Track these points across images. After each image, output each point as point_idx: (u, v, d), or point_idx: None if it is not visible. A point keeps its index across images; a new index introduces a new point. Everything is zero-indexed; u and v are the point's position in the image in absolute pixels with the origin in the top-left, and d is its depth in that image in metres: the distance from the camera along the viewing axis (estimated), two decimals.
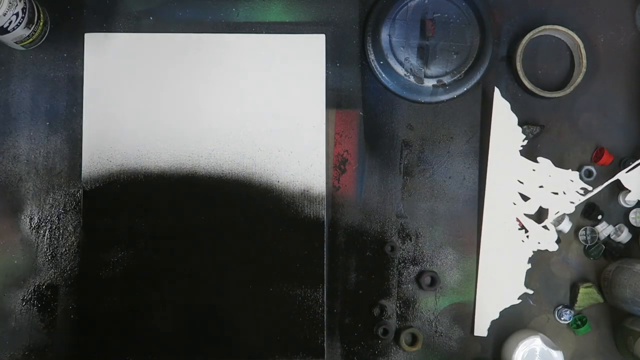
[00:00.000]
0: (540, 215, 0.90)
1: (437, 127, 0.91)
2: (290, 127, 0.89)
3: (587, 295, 0.89)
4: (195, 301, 0.87)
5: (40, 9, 0.85)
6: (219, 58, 0.89)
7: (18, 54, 0.89)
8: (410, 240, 0.90)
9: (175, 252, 0.88)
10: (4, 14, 0.78)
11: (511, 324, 0.90)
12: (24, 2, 0.81)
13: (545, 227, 0.89)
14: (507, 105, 0.88)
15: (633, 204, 0.91)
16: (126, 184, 0.88)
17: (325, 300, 0.88)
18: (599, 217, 0.90)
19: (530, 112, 0.91)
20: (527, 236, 0.89)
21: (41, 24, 0.86)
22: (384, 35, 0.89)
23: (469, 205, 0.91)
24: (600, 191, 0.89)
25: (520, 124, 0.89)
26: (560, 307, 0.90)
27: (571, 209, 0.88)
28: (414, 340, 0.89)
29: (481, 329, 0.89)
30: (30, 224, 0.89)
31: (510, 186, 0.89)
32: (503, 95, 0.88)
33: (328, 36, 0.90)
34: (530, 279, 0.90)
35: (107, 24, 0.90)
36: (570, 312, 0.89)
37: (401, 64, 0.90)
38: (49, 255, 0.88)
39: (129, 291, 0.87)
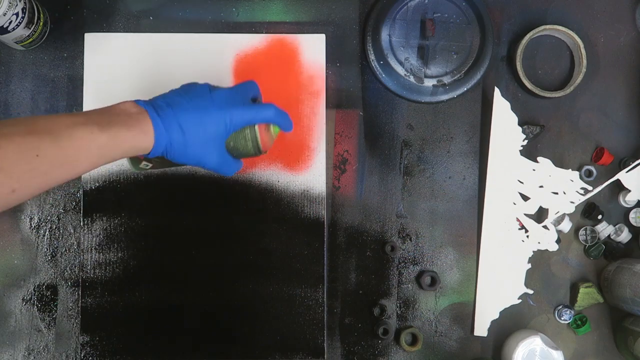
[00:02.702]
0: (540, 215, 0.90)
1: (437, 127, 0.91)
2: None
3: (587, 295, 0.90)
4: (195, 301, 0.87)
5: (40, 9, 0.85)
6: (219, 58, 0.89)
7: (18, 54, 0.89)
8: (410, 240, 0.90)
9: (175, 252, 0.88)
10: (4, 14, 0.78)
11: (511, 324, 0.90)
12: (24, 2, 0.81)
13: (545, 227, 0.89)
14: (507, 105, 0.88)
15: (633, 204, 0.91)
16: (126, 184, 0.88)
17: (325, 300, 0.88)
18: (599, 217, 0.90)
19: (530, 112, 0.91)
20: (527, 236, 0.89)
21: (41, 24, 0.86)
22: (384, 35, 0.89)
23: (469, 205, 0.91)
24: (600, 191, 0.89)
25: (520, 124, 0.89)
26: (560, 307, 0.90)
27: (571, 209, 0.88)
28: (414, 340, 0.89)
29: (481, 328, 0.89)
30: (30, 224, 0.89)
31: (510, 186, 0.89)
32: (503, 95, 0.88)
33: (328, 36, 0.90)
34: (530, 279, 0.90)
35: (107, 24, 0.90)
36: (570, 312, 0.89)
37: (401, 64, 0.90)
38: (49, 255, 0.88)
39: (129, 291, 0.87)
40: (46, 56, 0.89)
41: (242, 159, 0.76)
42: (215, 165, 0.71)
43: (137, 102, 0.67)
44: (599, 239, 0.90)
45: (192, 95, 0.70)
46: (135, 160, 0.75)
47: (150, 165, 0.75)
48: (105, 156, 0.63)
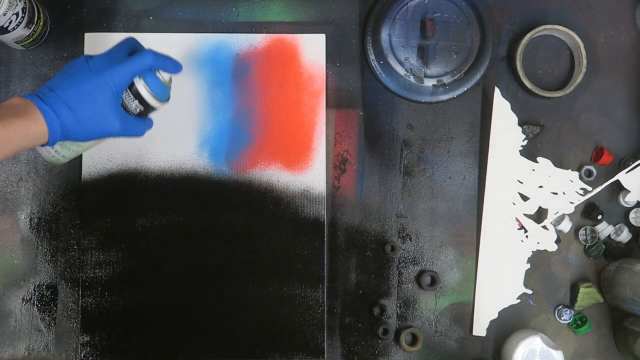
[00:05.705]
0: (539, 215, 0.90)
1: (437, 127, 0.91)
2: (290, 127, 0.89)
3: (587, 295, 0.90)
4: (195, 301, 0.87)
5: (40, 8, 0.85)
6: (219, 58, 0.89)
7: (18, 54, 0.89)
8: (410, 240, 0.90)
9: (175, 252, 0.88)
10: (4, 14, 0.78)
11: (511, 324, 0.90)
12: (24, 2, 0.81)
13: (544, 227, 0.89)
14: (507, 105, 0.88)
15: (633, 204, 0.91)
16: (126, 184, 0.88)
17: (325, 300, 0.88)
18: (599, 217, 0.90)
19: (530, 112, 0.91)
20: (527, 236, 0.89)
21: (41, 23, 0.86)
22: (384, 35, 0.89)
23: (469, 205, 0.91)
24: (600, 191, 0.89)
25: (520, 124, 0.89)
26: (560, 307, 0.90)
27: (571, 209, 0.88)
28: (414, 340, 0.89)
29: (480, 328, 0.89)
30: (30, 224, 0.89)
31: (509, 186, 0.89)
32: (503, 95, 0.88)
33: (328, 36, 0.90)
34: (529, 279, 0.90)
35: (107, 24, 0.90)
36: (570, 312, 0.89)
37: (401, 64, 0.90)
38: (49, 255, 0.88)
39: (129, 291, 0.87)
40: (46, 56, 0.89)
41: (150, 115, 0.75)
42: (119, 131, 0.71)
43: (24, 95, 0.68)
44: (599, 239, 0.90)
45: (71, 72, 0.70)
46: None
47: (61, 153, 0.73)
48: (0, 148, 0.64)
